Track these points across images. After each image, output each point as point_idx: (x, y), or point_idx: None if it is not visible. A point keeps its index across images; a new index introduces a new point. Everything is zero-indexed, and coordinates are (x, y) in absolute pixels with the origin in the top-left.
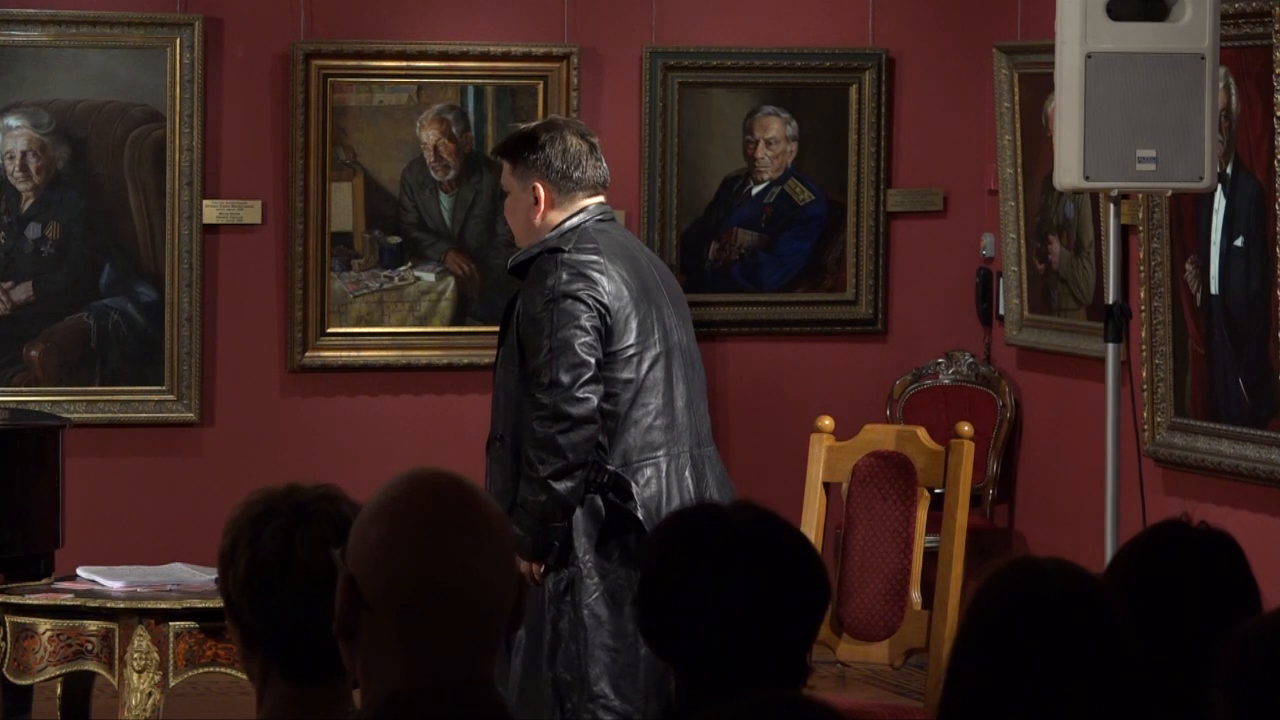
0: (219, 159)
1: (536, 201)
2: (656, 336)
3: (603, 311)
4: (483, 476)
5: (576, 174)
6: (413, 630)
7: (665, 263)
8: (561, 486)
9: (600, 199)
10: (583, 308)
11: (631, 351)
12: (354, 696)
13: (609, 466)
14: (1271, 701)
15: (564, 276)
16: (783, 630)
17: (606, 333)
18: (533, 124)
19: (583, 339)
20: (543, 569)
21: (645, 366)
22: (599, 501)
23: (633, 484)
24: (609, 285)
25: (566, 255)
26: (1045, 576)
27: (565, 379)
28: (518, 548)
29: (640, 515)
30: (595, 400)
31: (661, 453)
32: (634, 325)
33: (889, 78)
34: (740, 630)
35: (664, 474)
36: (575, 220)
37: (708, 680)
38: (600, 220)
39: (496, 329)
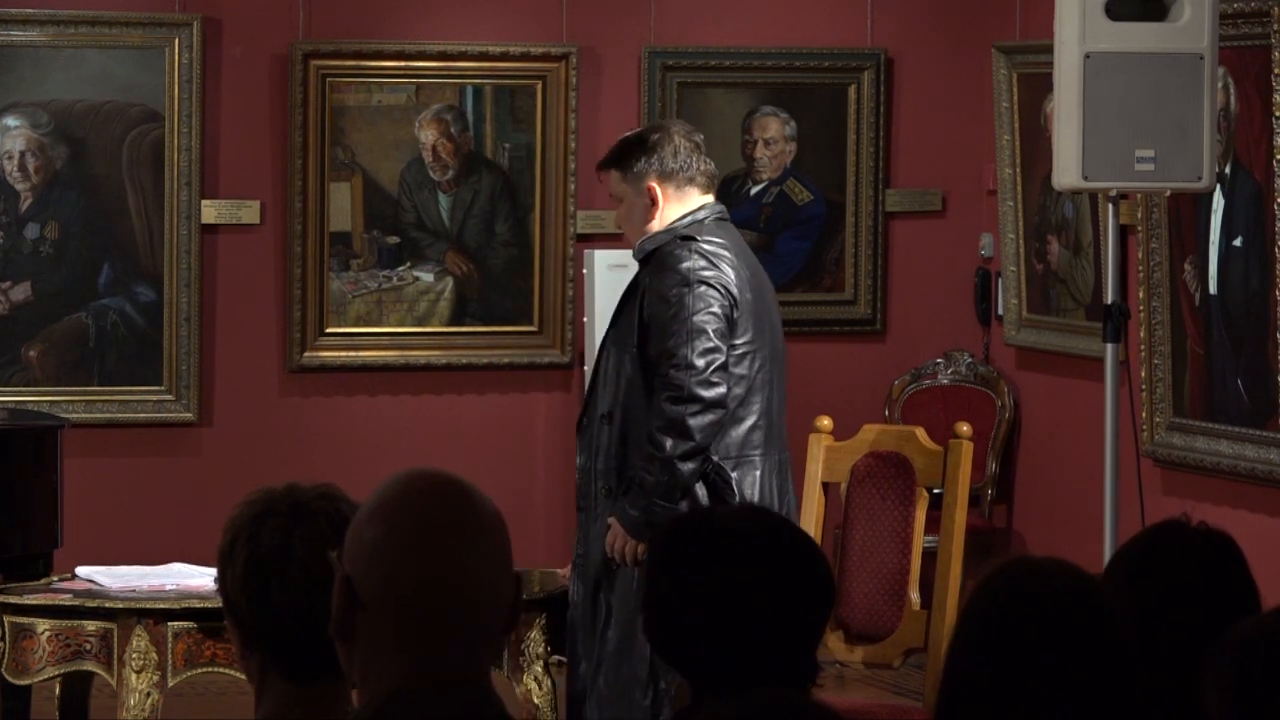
0: (217, 159)
1: (654, 202)
2: (766, 338)
3: (732, 302)
4: (482, 475)
5: (689, 171)
6: (410, 630)
7: None
8: (686, 468)
9: (712, 197)
10: (716, 295)
11: (748, 349)
12: (353, 697)
13: (713, 457)
14: (1266, 702)
15: (700, 263)
16: (788, 632)
17: (730, 325)
18: (637, 130)
19: (716, 325)
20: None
21: (756, 365)
22: (700, 489)
23: (736, 482)
24: (736, 279)
25: (699, 243)
26: (1042, 575)
27: (700, 362)
28: (625, 524)
29: None
30: (725, 388)
31: (758, 453)
32: (752, 323)
33: (888, 78)
34: (745, 634)
35: (760, 475)
36: (700, 215)
37: (715, 684)
38: (718, 219)
39: (495, 329)
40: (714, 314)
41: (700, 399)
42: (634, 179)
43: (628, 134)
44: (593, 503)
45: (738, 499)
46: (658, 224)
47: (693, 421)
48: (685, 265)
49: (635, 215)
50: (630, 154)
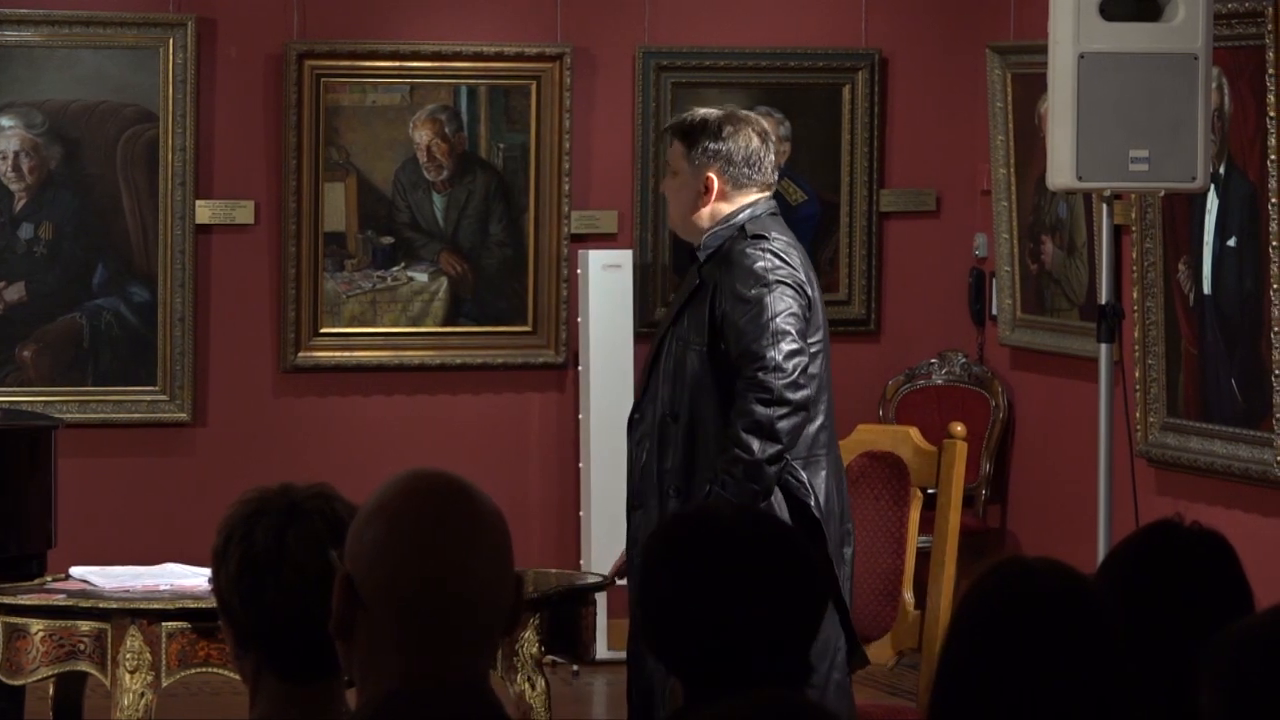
0: (212, 159)
1: (707, 190)
2: (826, 335)
3: (807, 302)
4: (476, 476)
5: (751, 170)
6: (410, 630)
7: (659, 264)
8: (772, 470)
9: (767, 194)
10: (794, 294)
11: (819, 348)
12: (348, 697)
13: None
14: (1261, 702)
15: (775, 261)
16: (782, 632)
17: (807, 325)
18: (715, 112)
19: (798, 326)
20: None
21: (823, 363)
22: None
23: (808, 481)
24: (805, 277)
25: (770, 241)
26: (1033, 575)
27: (788, 365)
28: None
29: (815, 512)
30: (810, 390)
31: (824, 453)
32: (819, 321)
33: (882, 78)
34: (738, 633)
35: (825, 475)
36: (757, 211)
37: (709, 683)
38: (771, 214)
39: (489, 329)
40: (795, 315)
41: (789, 401)
42: (696, 162)
43: (709, 111)
44: (656, 502)
45: (812, 500)
46: (707, 214)
47: (782, 424)
48: (760, 265)
49: (685, 196)
50: (701, 135)
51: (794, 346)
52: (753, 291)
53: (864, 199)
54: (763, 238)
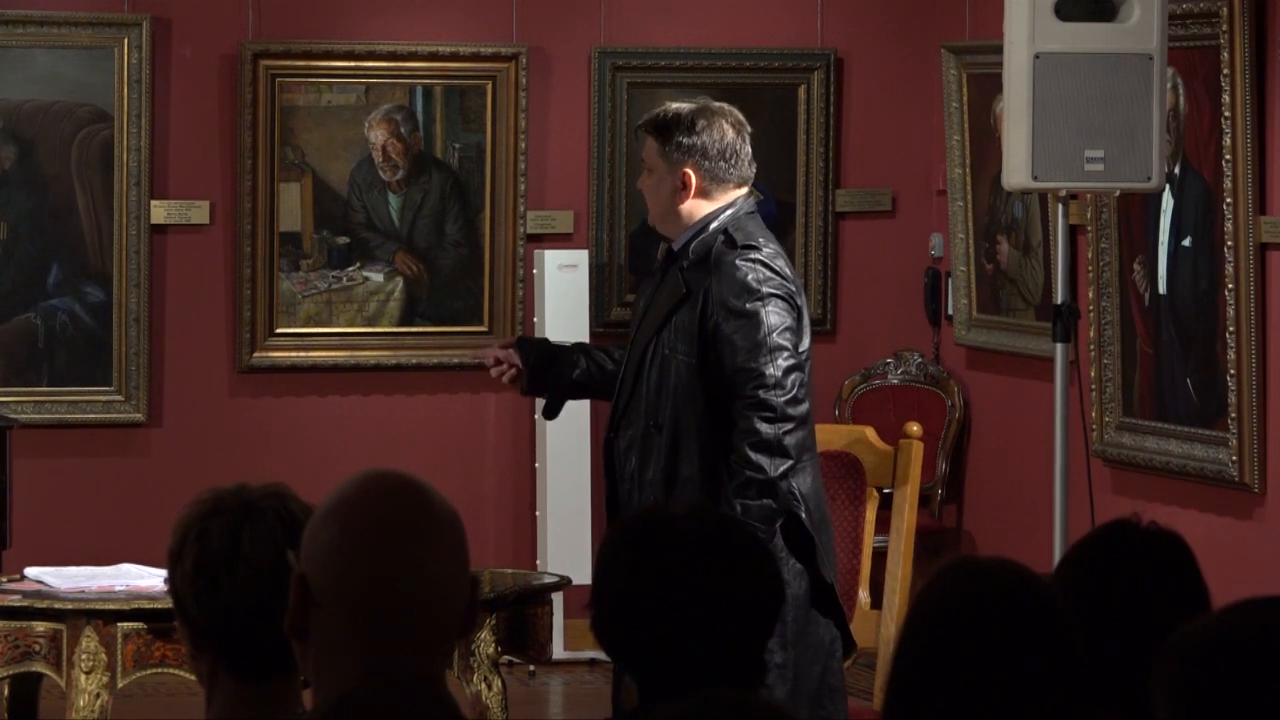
0: (167, 159)
1: (685, 187)
2: (810, 339)
3: (798, 312)
4: (432, 476)
5: (729, 164)
6: (364, 631)
7: (615, 264)
8: (784, 487)
9: (745, 190)
10: (786, 306)
11: (807, 356)
12: (304, 696)
13: None
14: (1211, 703)
15: (767, 273)
16: (736, 631)
17: (799, 336)
18: (687, 106)
19: (793, 339)
20: None
21: (809, 370)
22: None
23: (798, 489)
24: (794, 285)
25: (760, 252)
26: (986, 575)
27: (788, 381)
28: None
29: (807, 525)
30: (809, 404)
31: (807, 457)
32: (807, 328)
33: (837, 78)
34: (693, 632)
35: (810, 479)
36: (742, 211)
37: (663, 683)
38: (749, 213)
39: (444, 329)
40: (790, 329)
41: (792, 417)
42: (671, 158)
43: (679, 105)
44: None
45: (804, 511)
46: (685, 210)
47: (789, 440)
48: (752, 277)
49: (663, 192)
50: (675, 130)
51: (791, 362)
52: (747, 306)
53: (819, 199)
54: (753, 247)
